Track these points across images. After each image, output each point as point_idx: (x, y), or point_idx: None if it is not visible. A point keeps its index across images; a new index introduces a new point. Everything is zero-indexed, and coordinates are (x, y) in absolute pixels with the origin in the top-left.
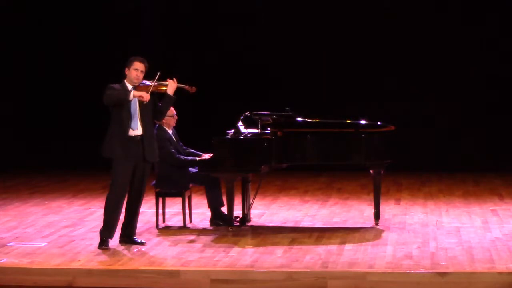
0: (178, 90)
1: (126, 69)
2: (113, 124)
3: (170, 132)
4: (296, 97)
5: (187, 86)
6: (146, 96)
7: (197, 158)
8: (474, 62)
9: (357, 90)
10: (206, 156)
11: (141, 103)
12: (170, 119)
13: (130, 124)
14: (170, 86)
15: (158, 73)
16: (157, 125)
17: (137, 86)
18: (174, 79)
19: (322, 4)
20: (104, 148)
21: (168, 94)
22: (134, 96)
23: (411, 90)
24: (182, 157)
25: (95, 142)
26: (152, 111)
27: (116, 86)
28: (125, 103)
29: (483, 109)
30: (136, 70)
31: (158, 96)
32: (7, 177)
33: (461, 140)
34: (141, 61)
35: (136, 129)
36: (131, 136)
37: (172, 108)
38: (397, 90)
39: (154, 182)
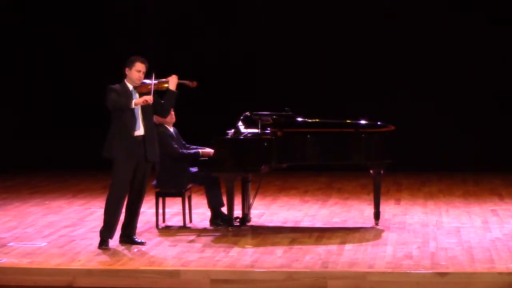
0: (179, 87)
1: (127, 69)
2: (115, 125)
3: (171, 130)
4: (296, 97)
5: (188, 82)
6: (150, 98)
7: (200, 150)
8: (474, 62)
9: (357, 90)
10: (209, 149)
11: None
12: (168, 116)
13: (134, 125)
14: (172, 82)
15: (153, 74)
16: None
17: (138, 86)
18: (174, 75)
19: (322, 4)
20: (105, 149)
21: (171, 90)
22: (136, 105)
23: (411, 90)
24: (185, 151)
25: (95, 142)
26: (154, 110)
27: (117, 86)
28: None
29: (483, 109)
30: (138, 71)
31: (159, 94)
32: (7, 177)
33: (461, 140)
34: (142, 62)
35: (139, 130)
36: (134, 137)
37: None
38: (397, 90)
39: (154, 182)
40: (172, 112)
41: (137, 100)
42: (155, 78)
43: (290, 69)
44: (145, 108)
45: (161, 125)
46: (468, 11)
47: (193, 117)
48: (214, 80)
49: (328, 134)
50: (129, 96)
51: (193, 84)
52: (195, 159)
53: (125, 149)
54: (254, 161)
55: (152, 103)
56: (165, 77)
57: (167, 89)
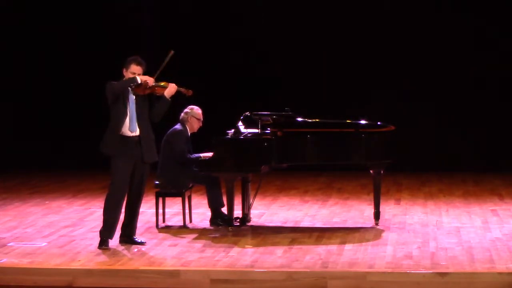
0: (175, 93)
1: (124, 70)
2: (111, 122)
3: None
4: (296, 97)
5: (183, 89)
6: (151, 81)
7: (201, 155)
8: (474, 62)
9: (357, 90)
10: (208, 153)
11: (138, 104)
12: (195, 122)
13: (129, 125)
14: (169, 90)
15: (171, 52)
16: (178, 123)
17: (135, 87)
18: (174, 83)
19: (322, 4)
20: (102, 145)
21: (165, 97)
22: (140, 81)
23: (411, 90)
24: (189, 155)
25: (95, 142)
26: (149, 112)
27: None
28: (127, 92)
29: (483, 109)
30: (133, 74)
31: (155, 98)
32: (7, 177)
33: (461, 140)
34: (138, 64)
35: (135, 131)
36: (129, 137)
37: (200, 111)
38: (397, 90)
39: (156, 182)
40: (201, 123)
41: (141, 76)
42: (155, 81)
43: (290, 69)
44: (140, 109)
45: (184, 126)
46: (468, 11)
47: None
48: (214, 80)
49: (328, 134)
50: (133, 78)
51: (189, 92)
52: (196, 164)
53: (122, 147)
54: (254, 161)
55: (147, 106)
56: (165, 81)
57: (162, 95)
